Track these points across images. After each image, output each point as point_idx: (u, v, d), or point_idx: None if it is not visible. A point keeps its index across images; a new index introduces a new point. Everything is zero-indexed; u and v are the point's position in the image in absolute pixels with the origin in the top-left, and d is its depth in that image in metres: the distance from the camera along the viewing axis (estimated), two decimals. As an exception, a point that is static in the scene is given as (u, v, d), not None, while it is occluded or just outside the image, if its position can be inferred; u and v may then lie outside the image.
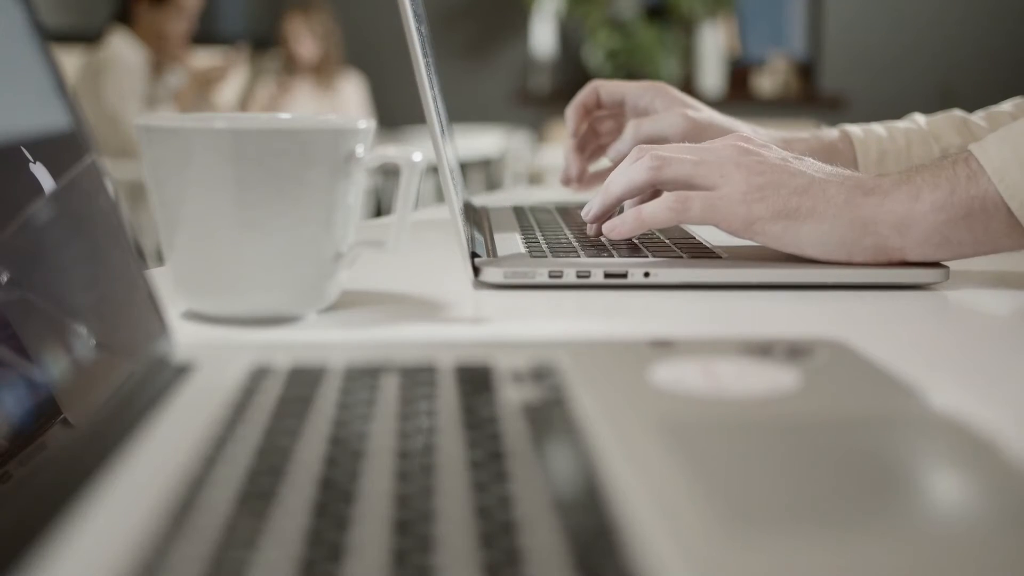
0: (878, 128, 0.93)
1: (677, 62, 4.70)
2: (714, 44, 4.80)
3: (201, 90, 3.15)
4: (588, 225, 0.79)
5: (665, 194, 0.72)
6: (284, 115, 0.66)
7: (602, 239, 0.78)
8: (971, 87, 4.58)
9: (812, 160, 0.72)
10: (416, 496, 0.31)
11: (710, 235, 0.82)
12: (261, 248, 0.57)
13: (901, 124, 0.93)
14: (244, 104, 3.85)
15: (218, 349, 0.48)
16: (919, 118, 0.93)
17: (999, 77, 4.59)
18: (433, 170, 0.81)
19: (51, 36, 0.42)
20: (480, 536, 0.28)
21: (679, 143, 0.77)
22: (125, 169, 2.73)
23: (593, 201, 0.78)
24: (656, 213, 0.71)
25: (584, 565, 0.27)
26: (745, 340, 0.50)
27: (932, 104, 1.60)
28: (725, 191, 0.70)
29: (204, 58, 3.47)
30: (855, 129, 0.93)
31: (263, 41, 4.07)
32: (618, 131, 1.00)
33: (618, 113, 1.01)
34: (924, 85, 4.64)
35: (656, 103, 0.96)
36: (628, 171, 0.74)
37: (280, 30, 3.90)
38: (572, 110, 1.00)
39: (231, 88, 3.74)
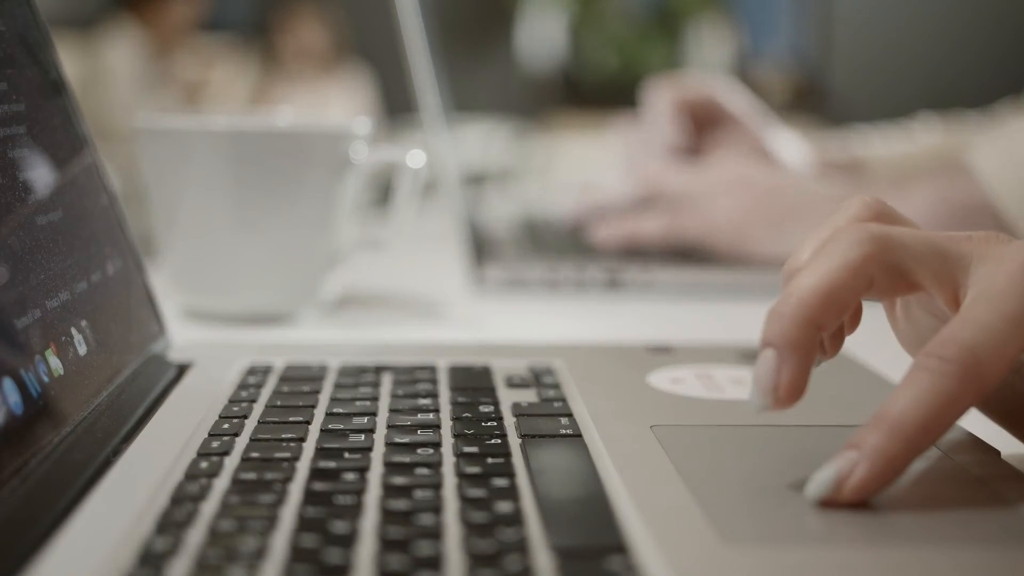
0: (894, 154, 0.92)
1: (676, 66, 4.70)
2: (714, 49, 4.80)
3: (191, 96, 3.16)
4: (585, 229, 0.79)
5: (659, 215, 0.74)
6: (284, 114, 0.66)
7: (599, 245, 0.79)
8: (975, 91, 4.58)
9: (806, 180, 0.74)
10: (411, 498, 0.31)
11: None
12: (259, 247, 0.57)
13: (916, 149, 0.92)
14: (247, 97, 3.83)
15: (215, 348, 0.48)
16: (930, 137, 0.92)
17: (1002, 81, 4.59)
18: (431, 171, 0.81)
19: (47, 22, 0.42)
20: (474, 538, 0.28)
21: (675, 161, 0.78)
22: (119, 172, 2.73)
23: (580, 203, 0.81)
24: (651, 236, 0.74)
25: (579, 570, 0.27)
26: (743, 345, 0.50)
27: (935, 107, 1.60)
28: (718, 213, 0.71)
29: (201, 49, 3.46)
30: (870, 156, 0.92)
31: (266, 29, 4.05)
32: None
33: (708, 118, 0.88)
34: (928, 89, 4.64)
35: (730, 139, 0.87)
36: (625, 180, 0.75)
37: (285, 18, 3.88)
38: (672, 109, 0.84)
39: (232, 84, 3.73)
